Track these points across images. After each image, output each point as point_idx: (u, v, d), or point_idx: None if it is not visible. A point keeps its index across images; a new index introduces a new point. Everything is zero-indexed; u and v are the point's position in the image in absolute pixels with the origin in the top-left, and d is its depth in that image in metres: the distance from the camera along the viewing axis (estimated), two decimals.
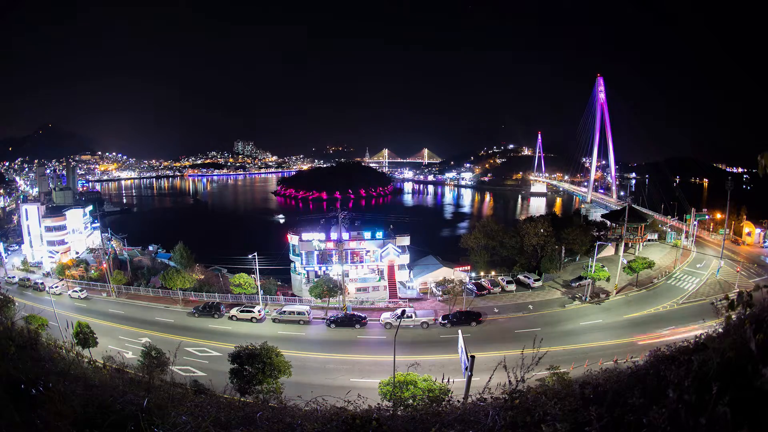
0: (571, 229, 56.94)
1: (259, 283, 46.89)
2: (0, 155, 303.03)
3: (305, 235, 51.29)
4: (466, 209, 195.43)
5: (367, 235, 52.26)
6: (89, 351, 28.78)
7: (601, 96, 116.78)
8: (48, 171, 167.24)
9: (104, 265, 54.64)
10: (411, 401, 15.55)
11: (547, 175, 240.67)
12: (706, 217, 72.82)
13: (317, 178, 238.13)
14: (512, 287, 50.05)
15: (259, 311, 43.01)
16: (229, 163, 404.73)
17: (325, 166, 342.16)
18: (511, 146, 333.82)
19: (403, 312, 40.36)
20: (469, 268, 55.59)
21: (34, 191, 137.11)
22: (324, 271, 50.30)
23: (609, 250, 60.23)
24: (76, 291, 51.23)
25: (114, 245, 70.10)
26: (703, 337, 4.52)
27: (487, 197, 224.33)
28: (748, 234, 65.48)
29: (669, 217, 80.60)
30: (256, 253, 45.15)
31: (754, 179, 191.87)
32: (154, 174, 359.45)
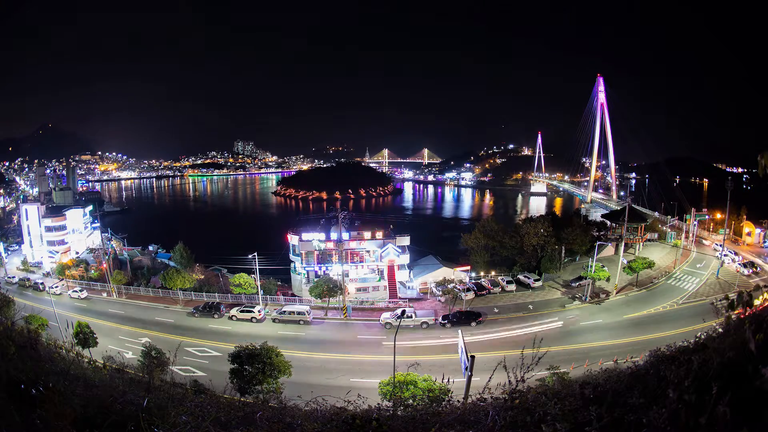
0: (571, 229, 56.90)
1: (259, 283, 46.88)
2: (0, 155, 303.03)
3: (305, 235, 51.30)
4: (466, 209, 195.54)
5: (367, 235, 52.27)
6: (89, 351, 28.78)
7: (601, 96, 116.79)
8: (48, 171, 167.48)
9: (104, 265, 54.63)
10: (411, 401, 15.54)
11: (547, 175, 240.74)
12: (706, 217, 72.80)
13: (317, 178, 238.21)
14: (512, 287, 50.03)
15: (259, 311, 43.00)
16: (229, 163, 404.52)
17: (325, 166, 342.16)
18: (511, 146, 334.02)
19: (403, 312, 40.34)
20: (469, 268, 55.59)
21: (34, 191, 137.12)
22: (324, 271, 50.31)
23: (609, 250, 60.22)
24: (76, 291, 51.21)
25: (114, 245, 70.12)
26: (703, 337, 4.53)
27: (487, 197, 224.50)
28: (748, 234, 65.48)
29: (669, 217, 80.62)
30: (256, 253, 45.12)
31: (754, 179, 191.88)
32: (154, 174, 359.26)
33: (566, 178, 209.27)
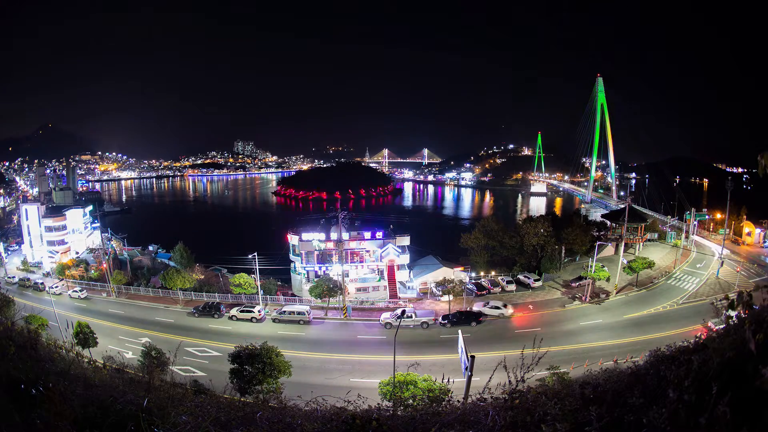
0: (571, 229, 56.86)
1: (259, 283, 46.88)
2: (0, 155, 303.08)
3: (305, 235, 51.28)
4: (466, 209, 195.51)
5: (367, 235, 52.25)
6: (89, 351, 28.79)
7: (601, 96, 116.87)
8: (48, 171, 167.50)
9: (104, 265, 54.63)
10: (411, 401, 15.55)
11: (547, 175, 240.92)
12: (706, 216, 72.75)
13: (317, 178, 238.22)
14: (512, 287, 50.01)
15: (259, 311, 43.00)
16: (229, 163, 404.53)
17: (325, 166, 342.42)
18: (511, 146, 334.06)
19: (403, 312, 40.34)
20: (469, 268, 55.56)
21: (34, 191, 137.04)
22: (324, 271, 50.29)
23: (609, 250, 60.20)
24: (76, 291, 51.21)
25: (114, 245, 70.10)
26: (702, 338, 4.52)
27: (487, 197, 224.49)
28: (748, 234, 65.47)
29: (669, 216, 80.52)
30: (256, 253, 45.12)
31: (754, 179, 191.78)
32: (154, 174, 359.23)
33: (566, 178, 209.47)
